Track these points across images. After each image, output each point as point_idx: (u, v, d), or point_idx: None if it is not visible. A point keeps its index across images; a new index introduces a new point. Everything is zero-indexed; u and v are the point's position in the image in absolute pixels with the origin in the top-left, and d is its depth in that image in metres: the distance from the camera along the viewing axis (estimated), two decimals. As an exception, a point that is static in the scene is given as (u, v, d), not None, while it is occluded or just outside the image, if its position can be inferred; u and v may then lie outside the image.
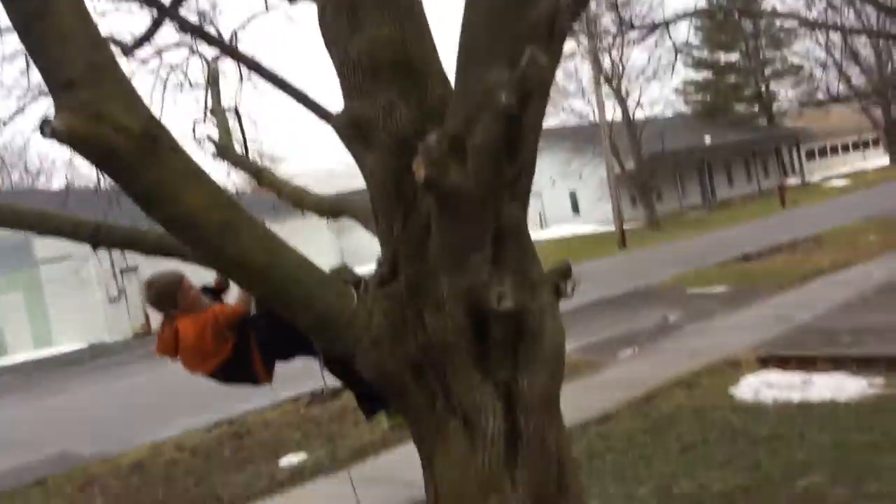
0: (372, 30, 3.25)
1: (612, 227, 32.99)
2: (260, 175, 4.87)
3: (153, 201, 2.86)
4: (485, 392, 3.41)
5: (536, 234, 41.41)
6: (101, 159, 2.79)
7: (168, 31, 6.65)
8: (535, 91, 2.83)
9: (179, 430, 10.39)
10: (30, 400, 17.22)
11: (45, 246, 24.79)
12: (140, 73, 8.40)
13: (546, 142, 42.74)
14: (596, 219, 39.88)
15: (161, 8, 6.29)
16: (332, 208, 4.32)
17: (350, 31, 3.29)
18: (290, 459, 8.29)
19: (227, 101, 5.94)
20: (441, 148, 3.00)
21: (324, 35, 3.48)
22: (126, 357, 21.53)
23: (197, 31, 6.28)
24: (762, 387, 8.17)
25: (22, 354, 27.07)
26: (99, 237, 3.54)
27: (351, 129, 3.42)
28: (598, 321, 14.34)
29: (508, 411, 3.51)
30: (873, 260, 16.14)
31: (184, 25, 6.34)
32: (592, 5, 21.00)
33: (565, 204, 44.10)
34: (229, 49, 6.30)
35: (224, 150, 5.07)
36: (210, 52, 6.50)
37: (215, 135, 5.22)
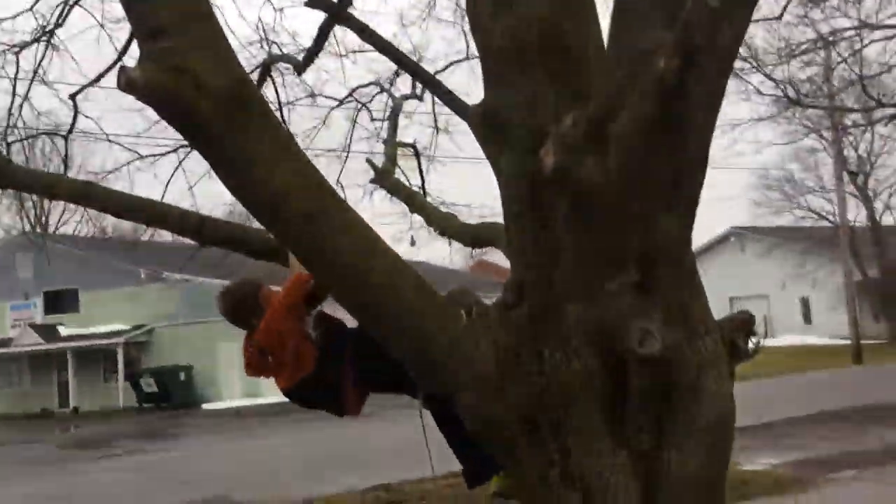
0: (521, 7, 2.64)
1: (847, 341, 29.73)
2: (412, 199, 4.50)
3: (233, 176, 2.44)
4: (616, 464, 2.57)
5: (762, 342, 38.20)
6: (177, 120, 2.39)
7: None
8: (703, 51, 2.09)
9: (338, 487, 10.18)
10: (220, 443, 18.17)
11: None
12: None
13: (778, 240, 39.79)
14: (829, 330, 36.24)
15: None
16: (474, 235, 3.86)
17: (496, 11, 2.68)
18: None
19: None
20: (576, 132, 2.35)
21: (470, 20, 2.99)
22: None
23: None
24: None
25: (232, 402, 28.17)
26: (204, 232, 3.22)
27: (486, 124, 2.79)
28: (816, 435, 12.60)
29: (646, 495, 2.64)
30: None
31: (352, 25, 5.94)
32: (836, 82, 18.91)
33: (795, 311, 40.65)
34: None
35: (382, 175, 4.78)
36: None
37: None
